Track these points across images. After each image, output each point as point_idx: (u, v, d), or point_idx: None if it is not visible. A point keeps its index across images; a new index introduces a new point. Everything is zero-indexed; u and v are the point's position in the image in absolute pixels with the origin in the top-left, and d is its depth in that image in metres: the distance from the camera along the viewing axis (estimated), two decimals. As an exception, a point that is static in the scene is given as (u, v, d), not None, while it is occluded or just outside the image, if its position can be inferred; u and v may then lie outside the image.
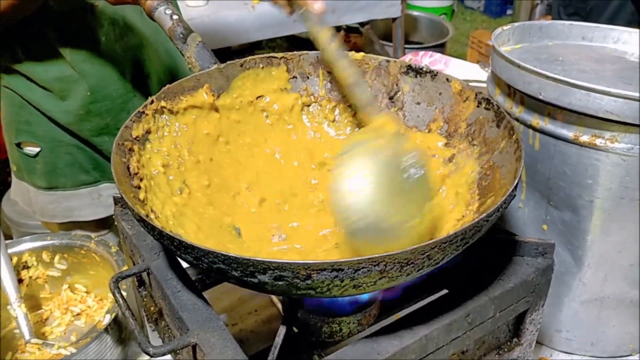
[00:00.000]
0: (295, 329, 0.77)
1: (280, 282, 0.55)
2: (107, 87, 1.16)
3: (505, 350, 0.78)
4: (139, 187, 0.72)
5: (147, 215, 0.65)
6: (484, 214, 0.58)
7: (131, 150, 0.74)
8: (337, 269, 0.53)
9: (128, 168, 0.71)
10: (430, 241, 0.55)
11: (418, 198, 0.67)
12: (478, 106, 0.80)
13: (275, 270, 0.53)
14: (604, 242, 0.83)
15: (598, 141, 0.77)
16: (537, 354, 0.95)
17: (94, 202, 1.27)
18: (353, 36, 4.02)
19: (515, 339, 0.79)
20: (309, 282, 0.54)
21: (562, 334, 0.93)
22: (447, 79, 0.84)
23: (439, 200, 0.77)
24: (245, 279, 0.55)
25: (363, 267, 0.53)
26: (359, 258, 0.53)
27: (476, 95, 0.80)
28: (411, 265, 0.56)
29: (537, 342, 0.95)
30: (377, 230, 0.65)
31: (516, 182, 0.63)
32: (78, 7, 1.09)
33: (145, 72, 1.21)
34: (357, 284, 0.55)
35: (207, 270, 0.59)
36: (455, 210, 0.75)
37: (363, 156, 0.68)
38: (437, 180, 0.78)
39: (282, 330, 0.69)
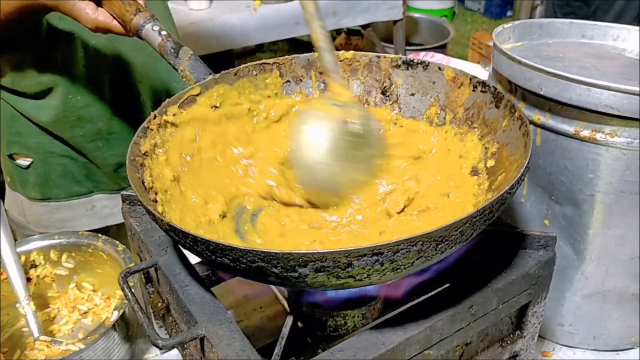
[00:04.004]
0: (300, 324, 0.78)
1: (321, 273, 0.55)
2: (97, 91, 1.16)
3: (508, 342, 0.79)
4: (156, 201, 0.73)
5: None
6: (507, 187, 0.60)
7: (142, 165, 0.74)
8: (377, 253, 0.54)
9: (143, 183, 0.72)
10: (462, 217, 0.56)
11: (362, 158, 0.80)
12: (474, 90, 0.82)
13: (317, 262, 0.54)
14: (605, 236, 0.84)
15: (598, 136, 0.78)
16: (539, 348, 0.96)
17: (88, 212, 1.28)
18: (354, 39, 4.04)
19: (518, 332, 0.79)
20: (349, 269, 0.55)
21: (565, 328, 0.94)
22: (439, 68, 0.86)
23: (449, 182, 0.80)
24: (286, 274, 0.56)
25: (402, 249, 0.55)
26: (397, 240, 0.54)
27: (470, 79, 0.82)
28: (445, 242, 0.57)
29: (539, 336, 0.96)
30: (330, 187, 0.79)
31: (529, 154, 0.65)
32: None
33: (133, 75, 1.21)
34: (396, 266, 0.57)
35: (244, 271, 0.59)
36: (466, 192, 0.77)
37: (316, 122, 0.79)
38: (385, 143, 0.85)
39: (289, 320, 0.70)
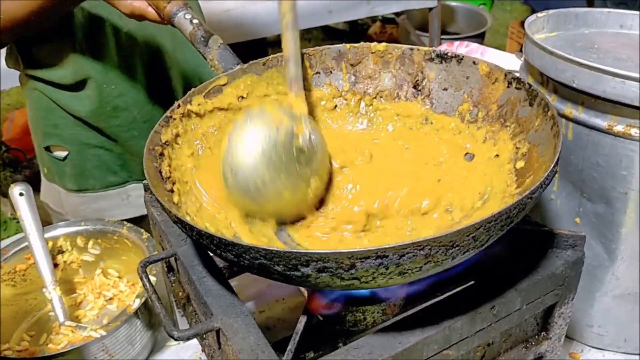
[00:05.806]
0: (320, 317, 0.77)
1: (323, 274, 0.54)
2: (131, 79, 1.17)
3: (533, 343, 0.76)
4: (172, 191, 0.72)
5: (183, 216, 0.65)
6: (528, 191, 0.57)
7: (162, 154, 0.74)
8: (382, 256, 0.52)
9: (160, 172, 0.72)
10: (475, 222, 0.54)
11: (296, 175, 0.75)
12: (508, 86, 0.78)
13: (319, 262, 0.53)
14: (638, 236, 0.81)
15: (633, 131, 0.75)
16: (567, 349, 0.93)
17: (123, 202, 1.29)
18: (389, 27, 3.99)
19: (543, 333, 0.77)
20: (352, 271, 0.53)
21: (594, 330, 0.91)
22: (474, 62, 0.82)
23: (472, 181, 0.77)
24: (289, 272, 0.55)
25: (408, 252, 0.53)
26: (403, 243, 0.52)
27: (505, 75, 0.79)
28: (457, 248, 0.55)
29: (568, 337, 0.93)
30: (252, 192, 0.72)
31: (557, 157, 0.62)
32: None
33: (164, 61, 1.21)
34: (403, 270, 0.55)
35: (248, 267, 0.58)
36: (493, 193, 0.74)
37: (260, 125, 0.73)
38: (326, 167, 0.82)
39: (302, 319, 0.69)
